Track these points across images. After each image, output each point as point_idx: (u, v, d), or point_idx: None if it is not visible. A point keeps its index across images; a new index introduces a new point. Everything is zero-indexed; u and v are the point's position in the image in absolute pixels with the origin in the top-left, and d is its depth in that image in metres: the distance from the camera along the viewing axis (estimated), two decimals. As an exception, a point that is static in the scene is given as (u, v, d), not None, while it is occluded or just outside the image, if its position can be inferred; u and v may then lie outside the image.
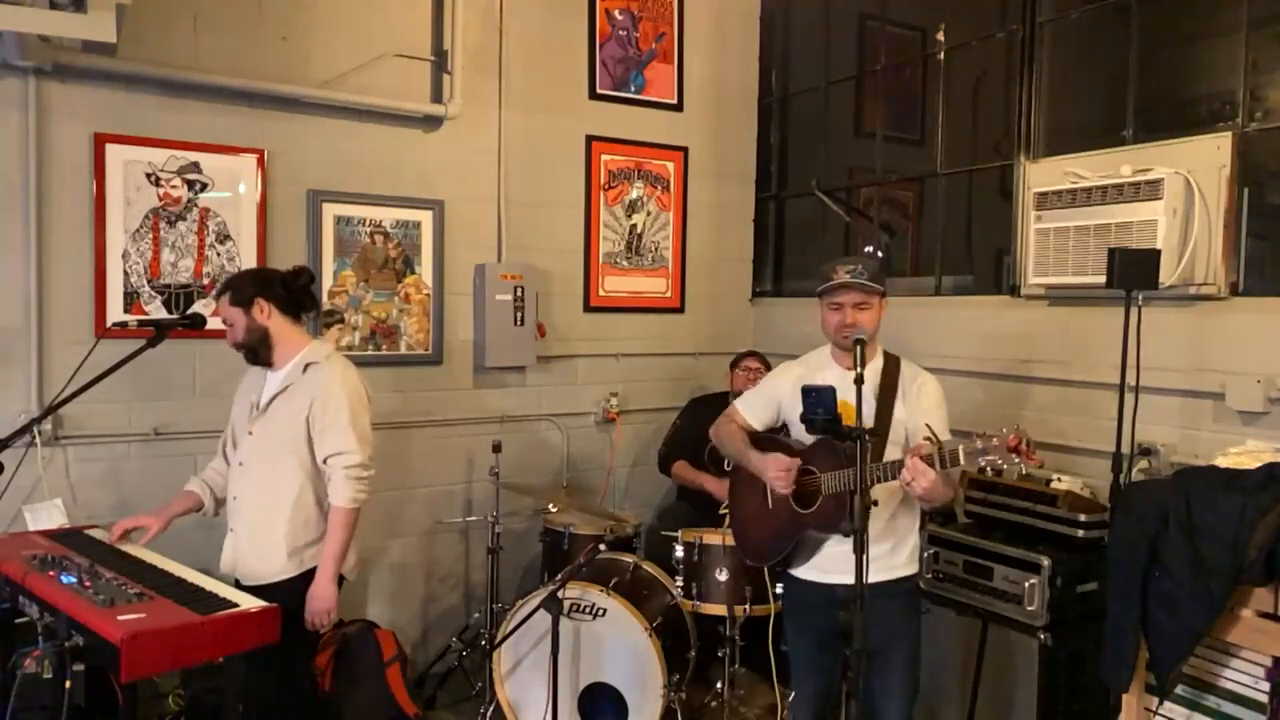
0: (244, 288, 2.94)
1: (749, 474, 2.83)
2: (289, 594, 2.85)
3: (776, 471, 2.66)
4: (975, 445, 2.25)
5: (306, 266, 3.11)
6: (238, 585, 2.87)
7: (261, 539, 2.90)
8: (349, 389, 2.91)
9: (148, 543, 2.98)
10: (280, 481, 2.90)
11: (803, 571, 2.76)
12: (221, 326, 3.76)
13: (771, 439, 2.87)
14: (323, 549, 2.89)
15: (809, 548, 2.73)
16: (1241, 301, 3.17)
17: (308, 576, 2.90)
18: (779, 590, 3.54)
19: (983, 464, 2.24)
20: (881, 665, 2.65)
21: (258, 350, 2.94)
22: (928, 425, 2.55)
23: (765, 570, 3.47)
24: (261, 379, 3.01)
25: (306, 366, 2.93)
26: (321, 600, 2.86)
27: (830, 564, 2.67)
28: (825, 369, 2.73)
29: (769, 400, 2.86)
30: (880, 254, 4.64)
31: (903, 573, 2.71)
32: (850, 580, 2.27)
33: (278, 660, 2.76)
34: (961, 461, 2.28)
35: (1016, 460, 2.20)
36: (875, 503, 2.49)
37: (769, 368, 4.41)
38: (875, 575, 2.60)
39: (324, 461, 2.88)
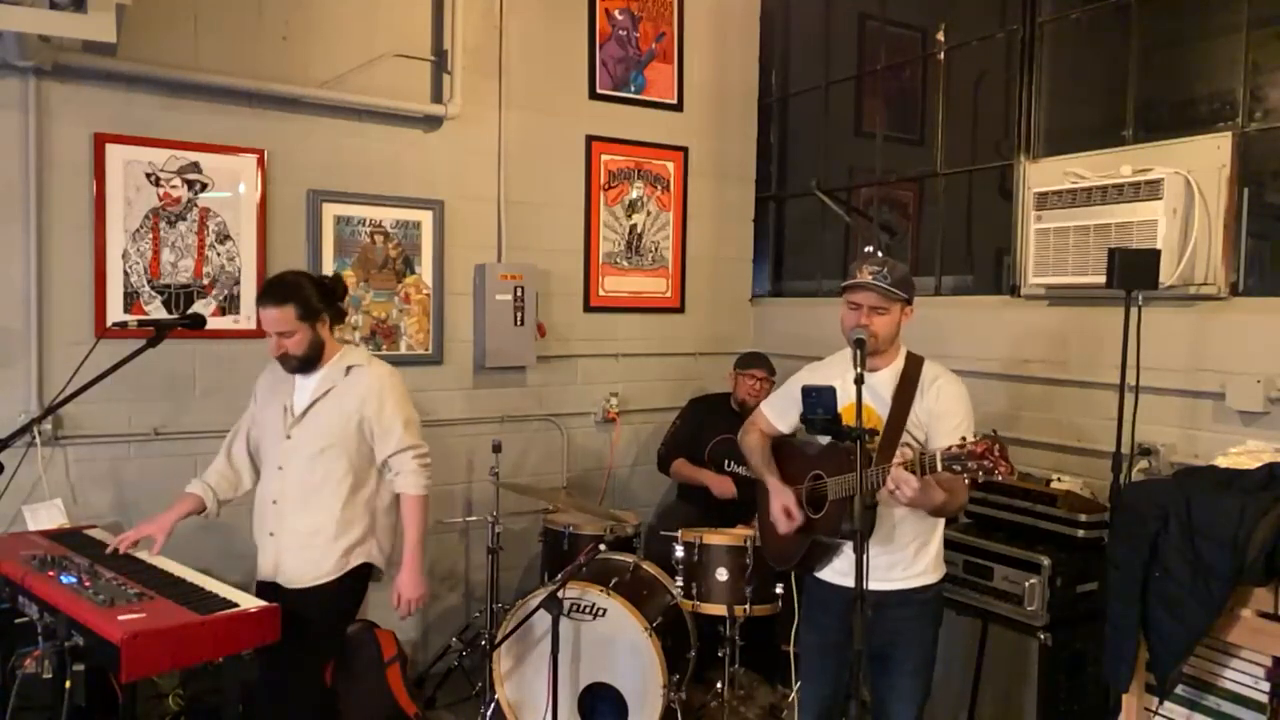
0: (311, 301, 2.88)
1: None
2: (335, 594, 2.89)
3: (778, 514, 2.70)
4: (950, 451, 2.25)
5: (339, 275, 3.19)
6: (277, 590, 2.87)
7: (307, 541, 2.90)
8: (400, 388, 3.00)
9: (157, 553, 2.94)
10: (326, 483, 2.91)
11: (825, 574, 2.74)
12: (222, 327, 3.77)
13: (789, 442, 2.87)
14: (406, 540, 2.98)
15: (830, 550, 2.70)
16: (1241, 301, 3.17)
17: (353, 574, 2.93)
18: (779, 590, 3.56)
19: (957, 469, 2.24)
20: (894, 669, 2.64)
21: (309, 362, 2.92)
22: (909, 433, 2.55)
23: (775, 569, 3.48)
24: (289, 380, 2.99)
25: (349, 369, 2.96)
26: (414, 588, 2.99)
27: (852, 567, 2.65)
28: (848, 371, 2.70)
29: (791, 403, 2.84)
30: (880, 254, 4.63)
31: (925, 580, 2.66)
32: (871, 584, 2.26)
33: (314, 659, 2.88)
34: (939, 468, 2.28)
35: (989, 465, 2.20)
36: (875, 504, 2.49)
37: (773, 376, 4.38)
38: (896, 582, 2.61)
39: (389, 457, 2.95)
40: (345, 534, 2.91)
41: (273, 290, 2.89)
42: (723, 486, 4.20)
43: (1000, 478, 2.22)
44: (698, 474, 4.32)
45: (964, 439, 2.26)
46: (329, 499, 2.90)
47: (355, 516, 2.93)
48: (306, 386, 2.97)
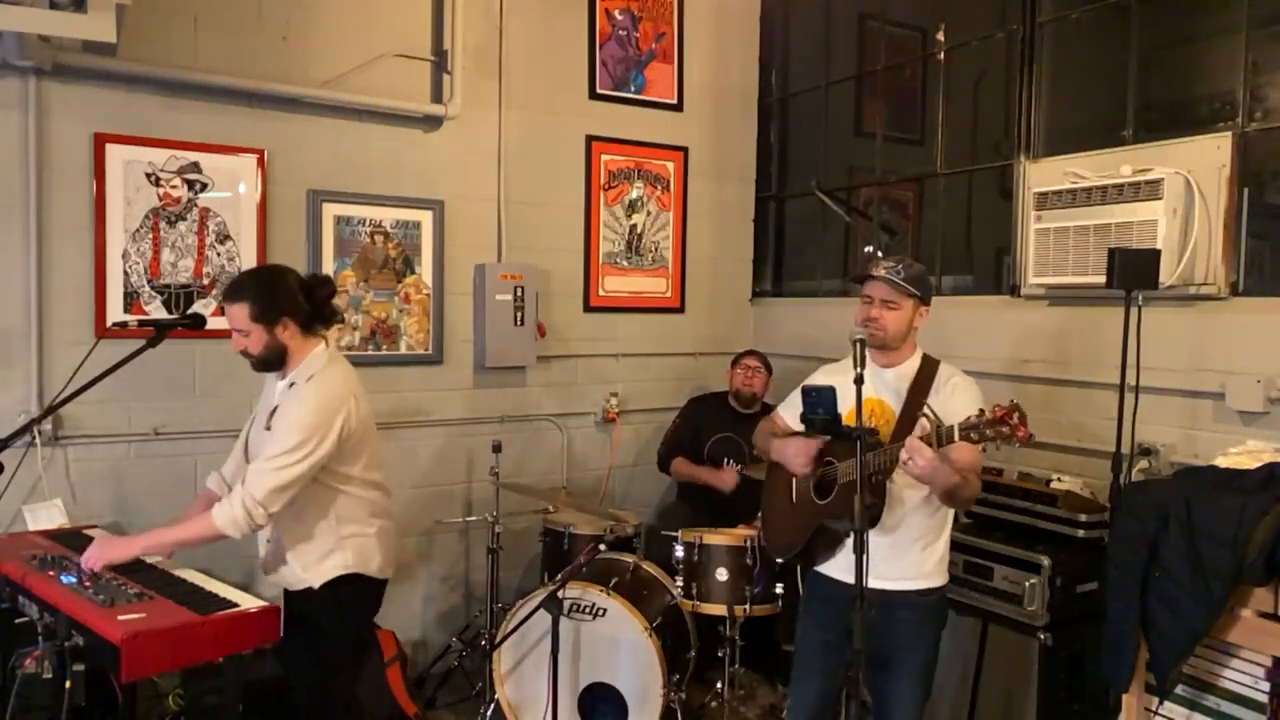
0: (269, 304, 2.70)
1: (779, 469, 2.83)
2: (320, 604, 2.76)
3: (795, 451, 2.68)
4: (968, 421, 2.25)
5: (330, 277, 2.95)
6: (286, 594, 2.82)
7: (288, 550, 2.79)
8: (308, 412, 2.65)
9: (168, 556, 2.92)
10: (300, 495, 2.74)
11: (827, 569, 2.74)
12: (222, 327, 3.75)
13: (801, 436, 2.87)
14: (168, 526, 2.74)
15: (833, 544, 2.70)
16: (1241, 301, 3.17)
17: (340, 583, 2.77)
18: (779, 590, 3.56)
19: (975, 438, 2.23)
20: (895, 672, 2.63)
21: (268, 363, 2.78)
22: (928, 404, 2.54)
23: (776, 569, 3.48)
24: (273, 390, 2.88)
25: (292, 385, 2.76)
26: (104, 550, 2.66)
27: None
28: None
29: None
30: (880, 254, 4.64)
31: (929, 583, 2.65)
32: (875, 583, 2.26)
33: (320, 664, 2.78)
34: (956, 438, 2.27)
35: (1006, 431, 2.17)
36: (875, 502, 2.49)
37: (768, 366, 4.44)
38: (900, 582, 2.60)
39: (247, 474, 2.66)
40: (311, 548, 2.76)
41: (232, 285, 2.78)
42: (723, 479, 4.21)
43: (1017, 445, 2.20)
44: (697, 471, 4.33)
45: (981, 409, 2.26)
46: (293, 512, 2.72)
47: (320, 529, 2.77)
48: (274, 398, 2.83)
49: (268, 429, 2.75)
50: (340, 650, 2.87)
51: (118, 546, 2.71)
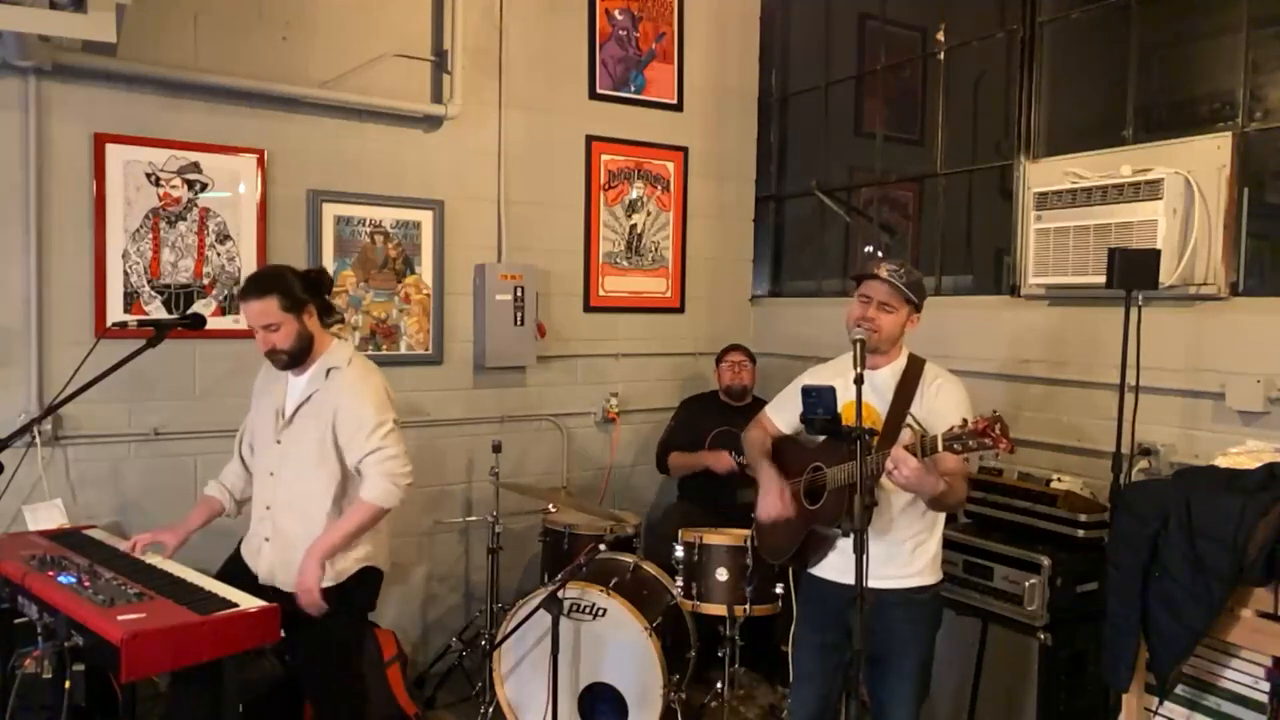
0: (295, 291, 2.81)
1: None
2: (343, 596, 2.85)
3: (772, 499, 2.73)
4: (952, 431, 2.26)
5: (325, 268, 3.11)
6: (276, 593, 2.81)
7: (299, 549, 2.83)
8: (371, 391, 2.85)
9: (169, 557, 2.95)
10: (313, 493, 2.86)
11: (821, 570, 2.74)
12: (222, 327, 3.75)
13: (792, 439, 2.87)
14: (334, 527, 2.82)
15: (826, 546, 2.70)
16: (1241, 301, 3.17)
17: (357, 577, 2.89)
18: (779, 590, 3.56)
19: (958, 448, 2.25)
20: (891, 672, 2.63)
21: (299, 356, 2.84)
22: (911, 414, 2.56)
23: (775, 569, 3.48)
24: (282, 381, 2.94)
25: (329, 371, 2.87)
26: (305, 573, 2.77)
27: (849, 564, 2.64)
28: (851, 373, 2.69)
29: (794, 403, 2.83)
30: (880, 254, 4.64)
31: (922, 581, 2.65)
32: (870, 582, 2.26)
33: (332, 659, 2.89)
34: (940, 448, 2.29)
35: (989, 444, 2.19)
36: (875, 503, 2.49)
37: (752, 358, 4.45)
38: (893, 580, 2.60)
39: (357, 466, 2.82)
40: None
41: (253, 282, 2.85)
42: (721, 461, 4.21)
43: (998, 456, 2.23)
44: (695, 458, 4.33)
45: (965, 419, 2.27)
46: (317, 507, 2.85)
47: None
48: (296, 388, 2.91)
49: (289, 422, 2.88)
50: (359, 639, 3.08)
51: (309, 571, 2.77)
